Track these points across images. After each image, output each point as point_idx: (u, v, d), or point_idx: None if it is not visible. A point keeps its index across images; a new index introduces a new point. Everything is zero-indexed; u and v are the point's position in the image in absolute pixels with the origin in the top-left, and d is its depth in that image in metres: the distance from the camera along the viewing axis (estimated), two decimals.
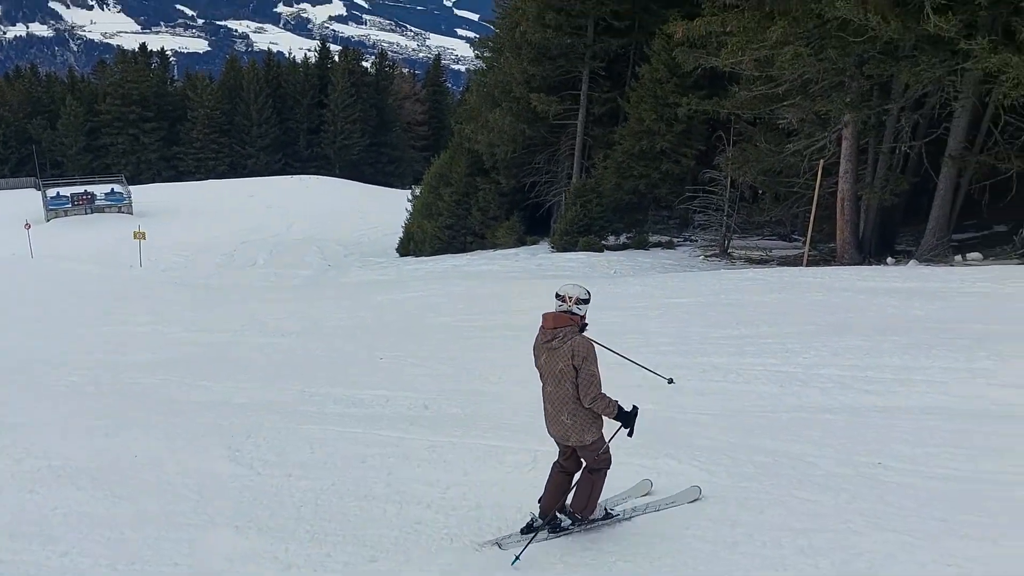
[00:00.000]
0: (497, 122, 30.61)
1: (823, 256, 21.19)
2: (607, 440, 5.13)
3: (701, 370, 9.39)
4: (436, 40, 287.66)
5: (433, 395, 9.38)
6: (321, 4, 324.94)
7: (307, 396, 9.92)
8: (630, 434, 5.04)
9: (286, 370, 11.96)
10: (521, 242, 31.17)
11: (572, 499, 5.29)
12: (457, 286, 21.02)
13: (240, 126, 74.29)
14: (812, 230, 20.23)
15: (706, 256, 24.18)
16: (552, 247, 28.44)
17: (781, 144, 21.56)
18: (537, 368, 5.21)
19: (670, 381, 6.39)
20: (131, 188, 56.08)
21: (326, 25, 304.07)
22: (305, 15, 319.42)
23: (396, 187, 68.38)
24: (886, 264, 18.98)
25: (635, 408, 5.07)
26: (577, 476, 5.30)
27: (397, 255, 36.67)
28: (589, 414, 4.99)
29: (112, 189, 54.56)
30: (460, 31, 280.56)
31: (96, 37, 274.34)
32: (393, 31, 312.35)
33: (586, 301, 5.12)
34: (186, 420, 9.10)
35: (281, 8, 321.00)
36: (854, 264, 19.15)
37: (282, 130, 75.71)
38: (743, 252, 23.89)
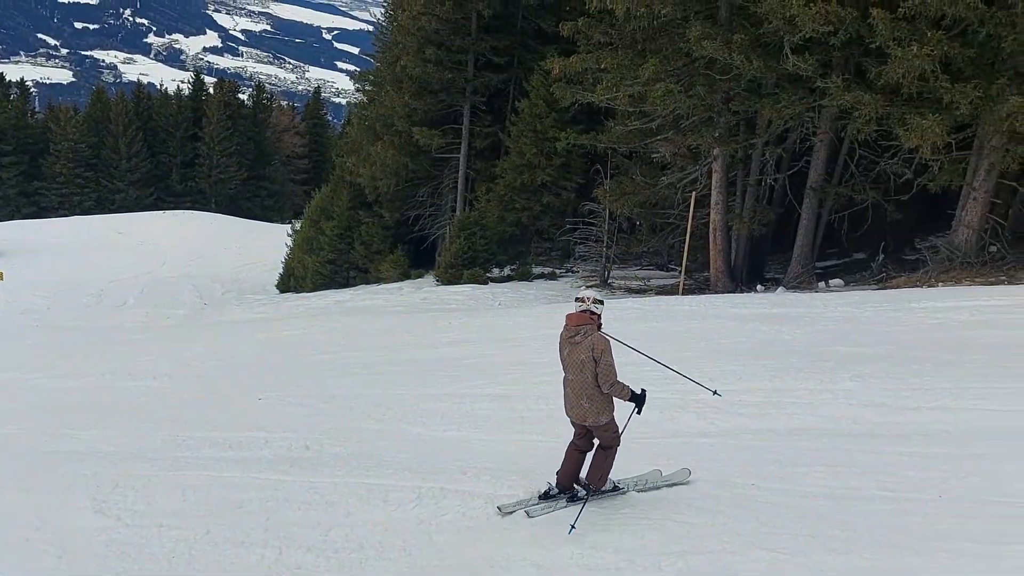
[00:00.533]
0: (379, 155, 30.45)
1: (698, 284, 22.01)
2: (619, 424, 6.07)
3: None
4: (316, 73, 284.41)
5: (315, 435, 9.11)
6: (195, 35, 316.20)
7: (180, 441, 9.44)
8: (639, 413, 6.01)
9: (158, 414, 11.35)
10: (406, 276, 30.95)
11: (588, 472, 6.17)
12: (339, 322, 20.62)
13: (108, 160, 70.89)
14: (687, 259, 21.01)
15: (588, 286, 24.68)
16: (437, 280, 28.39)
17: (656, 177, 22.39)
18: (561, 360, 6.10)
19: (715, 393, 7.10)
20: None
21: (200, 56, 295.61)
22: (178, 46, 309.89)
23: (276, 221, 66.74)
24: (756, 291, 19.89)
25: (644, 391, 5.98)
26: (590, 454, 6.22)
27: (277, 292, 35.73)
28: (605, 398, 5.90)
29: None
30: (340, 64, 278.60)
31: None
32: (271, 63, 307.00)
33: (601, 303, 6.13)
34: (47, 471, 8.49)
35: (152, 39, 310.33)
36: (727, 292, 19.96)
37: (154, 164, 72.70)
38: (623, 282, 24.53)
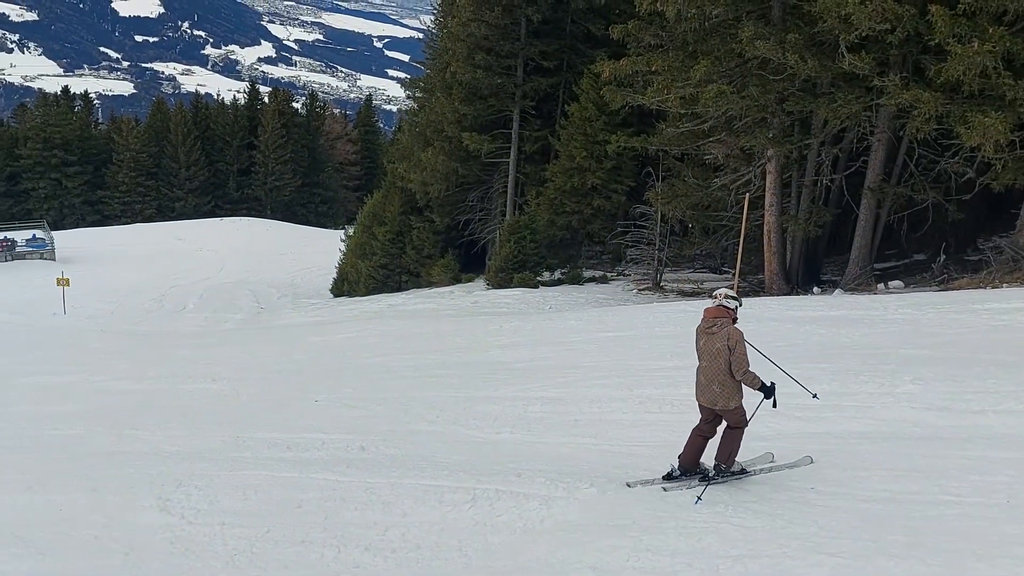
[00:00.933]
0: (430, 161, 30.74)
1: (752, 287, 21.72)
2: (747, 410, 6.51)
3: (637, 402, 9.48)
4: (367, 81, 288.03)
5: (370, 436, 9.23)
6: (250, 46, 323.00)
7: (240, 442, 9.65)
8: (774, 405, 6.43)
9: (218, 416, 11.64)
10: (456, 280, 31.17)
11: (717, 452, 6.54)
12: (392, 325, 20.86)
13: (168, 169, 72.85)
14: (740, 262, 20.73)
15: (639, 290, 24.54)
16: (487, 284, 28.51)
17: (708, 179, 22.16)
18: (696, 349, 6.64)
19: (815, 396, 7.39)
20: (54, 234, 54.25)
21: (255, 67, 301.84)
22: (234, 57, 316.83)
23: (329, 227, 67.75)
24: (813, 294, 19.56)
25: (773, 384, 6.43)
26: (716, 437, 6.62)
27: (331, 296, 36.25)
28: (735, 385, 6.35)
29: (34, 235, 52.63)
30: (391, 72, 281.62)
31: (16, 80, 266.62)
32: (323, 72, 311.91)
33: (735, 299, 6.70)
34: (113, 471, 8.76)
35: (209, 50, 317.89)
36: (782, 294, 19.68)
37: (211, 172, 74.47)
38: (675, 285, 24.33)
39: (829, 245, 23.40)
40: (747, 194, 20.36)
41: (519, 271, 27.30)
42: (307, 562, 5.76)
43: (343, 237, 39.90)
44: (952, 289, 16.92)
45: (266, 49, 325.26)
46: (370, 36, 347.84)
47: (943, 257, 19.04)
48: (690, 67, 18.83)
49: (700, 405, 6.59)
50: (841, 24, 15.96)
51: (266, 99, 78.79)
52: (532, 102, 30.08)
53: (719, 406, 6.39)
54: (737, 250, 21.10)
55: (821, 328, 12.89)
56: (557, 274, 28.05)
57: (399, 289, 33.23)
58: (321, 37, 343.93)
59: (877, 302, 15.28)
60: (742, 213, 20.35)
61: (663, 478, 6.58)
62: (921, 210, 19.91)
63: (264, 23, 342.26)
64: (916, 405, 8.23)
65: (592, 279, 27.30)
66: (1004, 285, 16.13)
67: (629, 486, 6.53)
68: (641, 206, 25.04)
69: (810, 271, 21.73)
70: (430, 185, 31.53)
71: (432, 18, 42.59)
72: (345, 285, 36.14)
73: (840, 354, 10.88)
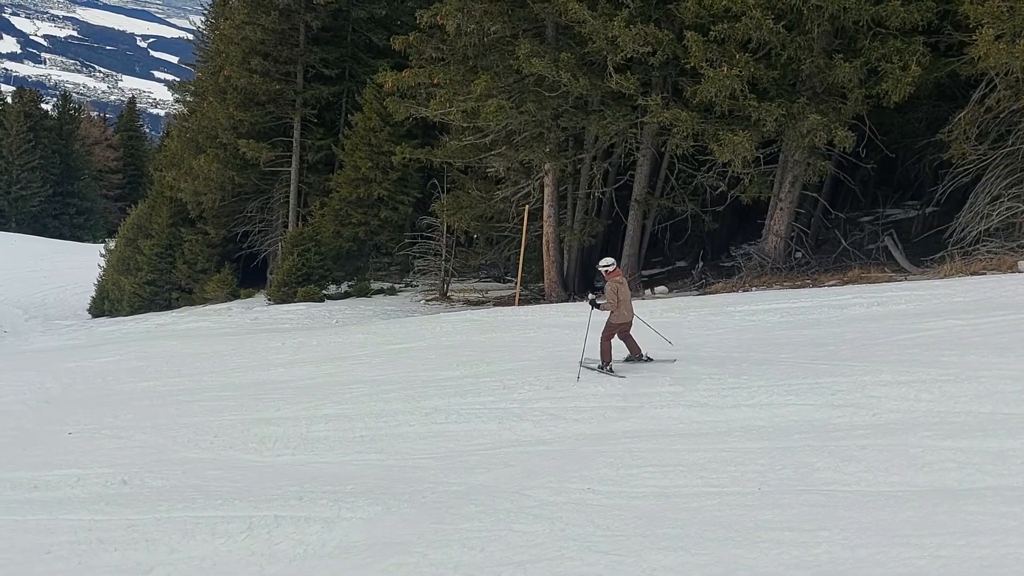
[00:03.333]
0: (203, 169, 29.08)
1: (533, 295, 22.46)
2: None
3: (424, 413, 9.43)
4: (130, 82, 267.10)
5: (133, 468, 8.45)
6: None
7: None
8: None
9: None
10: (235, 295, 29.65)
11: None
12: (160, 347, 19.38)
13: None
14: (522, 271, 21.39)
15: (427, 300, 24.61)
16: (269, 299, 27.34)
17: (491, 191, 22.67)
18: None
19: (670, 342, 10.84)
20: None
21: None
22: None
23: (87, 241, 62.17)
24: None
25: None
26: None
27: (90, 316, 33.27)
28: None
29: None
30: (157, 73, 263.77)
31: None
32: (78, 72, 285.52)
33: (604, 265, 10.23)
34: None
35: None
36: (561, 301, 20.48)
37: None
38: (462, 295, 24.64)
39: (602, 254, 24.71)
40: (527, 206, 21.14)
41: (303, 284, 26.43)
42: None
43: (103, 251, 36.76)
44: (710, 293, 18.43)
45: (9, 44, 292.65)
46: (133, 35, 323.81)
47: (701, 264, 20.71)
48: (471, 81, 19.18)
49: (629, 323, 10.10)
50: (609, 46, 16.93)
51: (9, 99, 70.96)
52: (314, 110, 29.34)
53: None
54: (518, 260, 21.81)
55: (595, 334, 13.50)
56: (344, 287, 27.48)
57: (169, 307, 31.08)
58: (75, 33, 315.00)
59: (644, 307, 16.23)
60: (522, 224, 21.07)
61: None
62: (681, 220, 21.57)
63: (7, 16, 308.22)
64: (680, 403, 8.82)
65: (380, 291, 27.01)
66: (753, 288, 17.80)
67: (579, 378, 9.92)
68: (428, 217, 25.15)
69: (586, 279, 22.81)
70: (203, 195, 29.83)
71: (203, 18, 40.47)
72: (106, 304, 33.30)
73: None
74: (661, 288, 20.41)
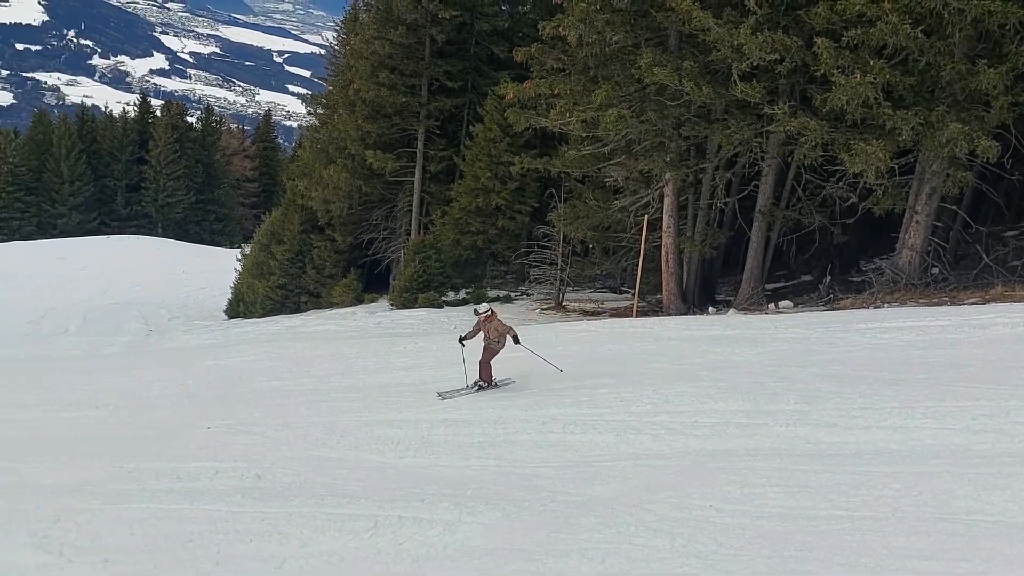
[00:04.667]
0: (332, 178, 30.27)
1: (651, 307, 22.21)
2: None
3: (541, 422, 9.48)
4: (266, 96, 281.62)
5: (266, 464, 8.88)
6: (141, 57, 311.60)
7: (125, 473, 9.11)
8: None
9: (100, 445, 10.99)
10: (359, 300, 30.68)
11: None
12: (290, 348, 20.26)
13: (49, 184, 69.19)
14: (640, 282, 21.19)
15: (542, 309, 24.74)
16: (391, 304, 28.17)
17: (609, 201, 22.60)
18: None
19: (560, 370, 11.87)
20: None
21: (147, 79, 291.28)
22: (123, 68, 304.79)
23: (224, 246, 65.74)
24: (708, 313, 20.13)
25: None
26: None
27: (226, 317, 35.12)
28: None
29: None
30: (291, 87, 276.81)
31: None
32: (220, 86, 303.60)
33: (475, 312, 12.03)
34: None
35: (97, 60, 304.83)
36: (679, 314, 20.17)
37: (97, 188, 71.16)
38: (577, 305, 24.64)
39: (723, 266, 24.20)
40: (646, 216, 20.95)
41: (424, 291, 27.11)
42: None
43: (239, 256, 38.77)
44: (838, 309, 17.72)
45: (159, 61, 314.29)
46: (270, 51, 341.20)
47: (829, 278, 19.94)
48: (591, 91, 19.20)
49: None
50: (734, 53, 16.59)
51: (158, 112, 76.05)
52: (437, 122, 30.07)
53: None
54: (636, 271, 21.62)
55: (716, 347, 13.25)
56: (462, 294, 27.99)
57: (298, 310, 32.45)
58: (218, 50, 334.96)
59: (768, 321, 15.82)
60: (641, 235, 20.89)
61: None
62: (808, 233, 20.84)
63: (156, 34, 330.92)
64: (807, 422, 8.52)
65: (496, 299, 27.33)
66: (885, 305, 17.00)
67: (441, 395, 11.62)
68: (544, 227, 25.31)
69: (706, 291, 22.38)
70: (332, 203, 31.02)
71: (335, 34, 42.17)
72: (241, 306, 35.08)
73: (735, 372, 11.19)
74: (785, 303, 19.78)
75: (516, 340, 11.58)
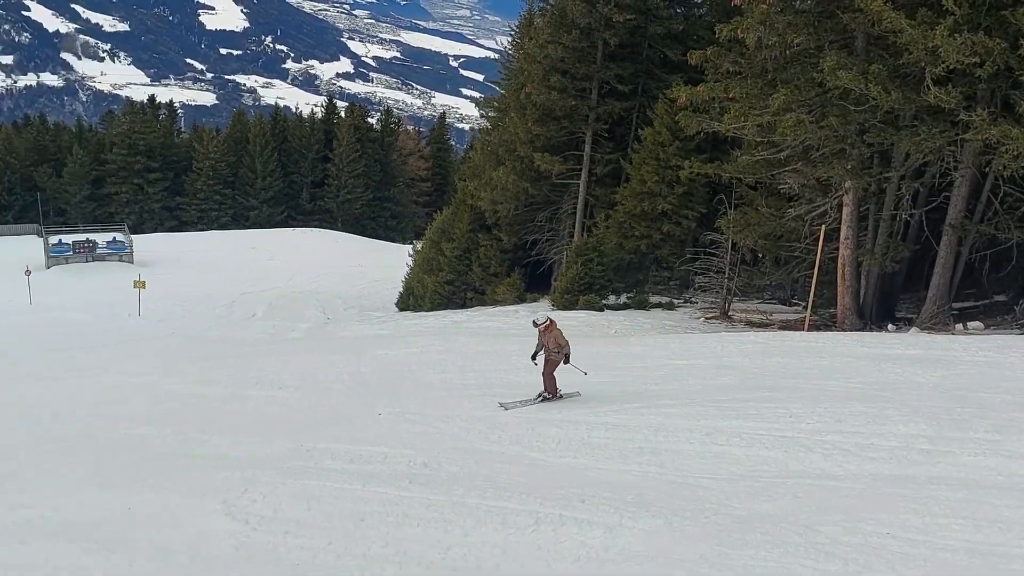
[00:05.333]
0: (500, 180, 30.94)
1: (824, 321, 21.19)
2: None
3: (705, 432, 9.30)
4: (441, 99, 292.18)
5: (432, 453, 9.25)
6: (329, 61, 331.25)
7: (304, 451, 9.78)
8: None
9: (283, 424, 11.83)
10: (521, 299, 31.18)
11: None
12: (456, 342, 20.90)
13: (244, 178, 74.95)
14: (813, 295, 20.27)
15: (706, 318, 24.18)
16: (552, 305, 28.44)
17: (782, 209, 21.76)
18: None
19: (585, 373, 11.80)
20: (133, 237, 56.31)
21: (333, 82, 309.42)
22: (313, 71, 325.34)
23: (397, 242, 68.70)
24: (887, 331, 18.98)
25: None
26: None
27: (396, 309, 36.66)
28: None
29: (114, 238, 54.80)
30: (465, 90, 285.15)
31: (106, 88, 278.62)
32: (399, 89, 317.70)
33: (534, 324, 11.81)
34: (181, 474, 8.97)
35: (289, 64, 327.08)
36: (855, 330, 19.14)
37: (286, 183, 76.35)
38: (743, 315, 23.89)
39: (905, 281, 22.70)
40: (823, 226, 20.00)
41: (585, 293, 27.19)
42: None
43: (411, 252, 40.36)
44: None
45: (344, 65, 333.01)
46: (446, 55, 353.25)
47: None
48: (768, 95, 18.59)
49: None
50: (928, 56, 15.56)
51: (342, 113, 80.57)
52: (605, 125, 30.06)
53: None
54: (809, 282, 20.68)
55: (896, 367, 12.47)
56: (623, 298, 27.84)
57: (464, 306, 33.39)
58: (398, 54, 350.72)
59: (956, 342, 14.72)
60: (816, 245, 19.96)
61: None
62: (1004, 250, 19.20)
63: (344, 39, 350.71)
64: (999, 452, 7.87)
65: (658, 305, 27.00)
66: None
67: (503, 406, 11.67)
68: (712, 233, 24.72)
69: (885, 307, 21.09)
70: (500, 204, 31.70)
71: (509, 39, 43.08)
72: (411, 299, 36.51)
73: (917, 395, 10.50)
74: (975, 323, 18.34)
75: (567, 360, 11.47)
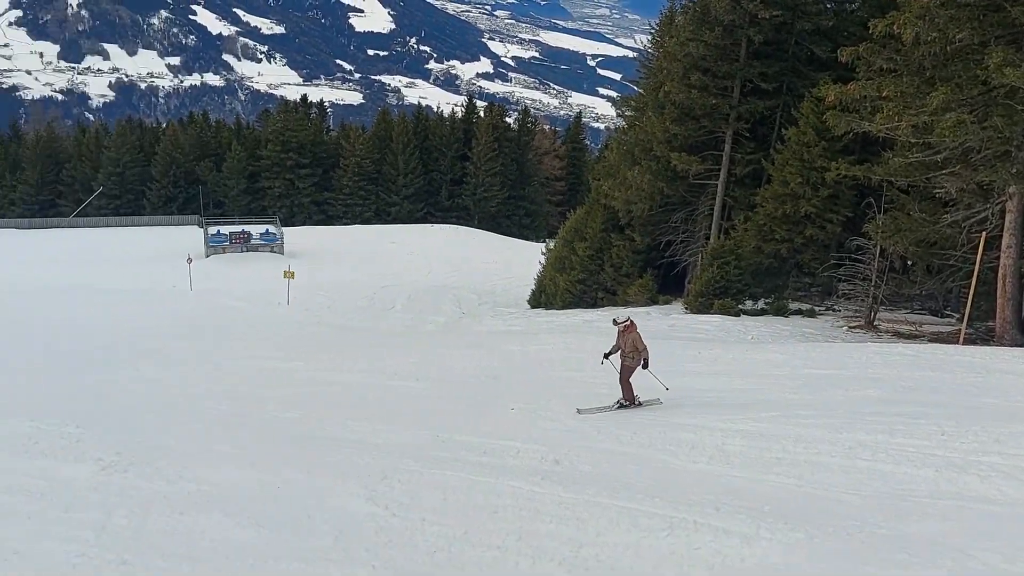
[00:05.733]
0: (636, 179, 30.70)
1: (980, 335, 19.86)
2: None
3: (847, 446, 8.93)
4: (577, 98, 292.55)
5: (563, 450, 9.34)
6: (470, 61, 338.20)
7: (440, 442, 10.10)
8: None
9: (421, 415, 12.24)
10: (653, 301, 30.83)
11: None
12: (587, 342, 20.90)
13: (387, 175, 77.65)
14: (970, 307, 19.03)
15: (850, 327, 23.13)
16: (685, 308, 27.98)
17: (937, 214, 20.54)
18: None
19: (666, 388, 11.68)
20: (284, 230, 59.54)
21: (473, 81, 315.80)
22: (454, 71, 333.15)
23: (531, 240, 69.35)
24: None
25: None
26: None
27: (528, 307, 37.02)
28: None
29: (267, 230, 58.12)
30: (601, 90, 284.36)
31: (262, 88, 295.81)
32: (537, 88, 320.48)
33: (614, 322, 11.74)
34: (326, 457, 9.45)
35: (432, 65, 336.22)
36: (1015, 345, 17.85)
37: (426, 180, 78.54)
38: (890, 325, 22.70)
39: None
40: (982, 233, 18.73)
41: (720, 297, 26.59)
42: (504, 569, 5.91)
43: (544, 250, 40.65)
44: None
45: (484, 65, 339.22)
46: (584, 54, 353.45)
47: None
48: (926, 94, 17.61)
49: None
50: None
51: (481, 113, 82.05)
52: (746, 124, 29.27)
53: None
54: (964, 293, 19.41)
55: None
56: (760, 303, 27.04)
57: (595, 306, 33.34)
58: (537, 54, 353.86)
59: None
60: (975, 253, 18.70)
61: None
62: None
63: (484, 40, 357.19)
64: None
65: (798, 312, 26.05)
66: None
67: (579, 411, 11.65)
68: (858, 238, 23.62)
69: None
70: (634, 204, 31.45)
71: (649, 37, 42.63)
72: (543, 297, 36.78)
73: None
74: None
75: (645, 365, 11.34)
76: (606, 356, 11.69)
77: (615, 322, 11.71)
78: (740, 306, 26.57)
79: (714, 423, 10.45)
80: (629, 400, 11.70)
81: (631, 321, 11.65)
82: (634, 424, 10.56)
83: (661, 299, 30.84)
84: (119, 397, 13.78)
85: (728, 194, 30.02)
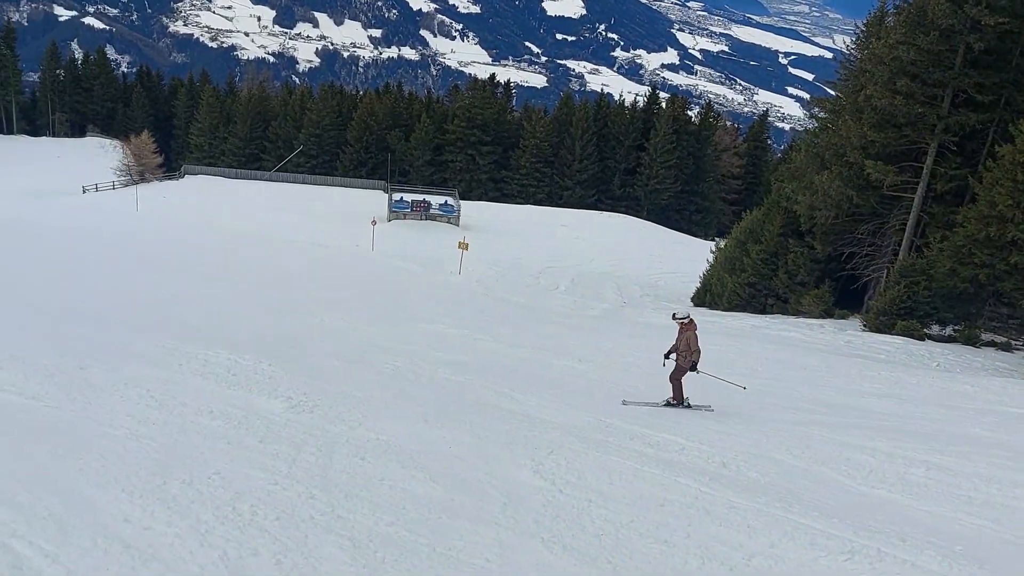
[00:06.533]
0: (823, 185, 29.24)
1: None
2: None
3: None
4: (764, 96, 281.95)
5: (729, 453, 9.12)
6: (656, 52, 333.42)
7: (604, 426, 10.13)
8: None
9: (582, 396, 12.33)
10: (828, 314, 29.36)
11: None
12: (754, 347, 20.30)
13: (563, 159, 78.09)
14: None
15: None
16: (864, 325, 26.45)
17: None
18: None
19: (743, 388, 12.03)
20: (461, 203, 61.34)
21: (657, 72, 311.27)
22: (639, 60, 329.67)
23: (699, 236, 67.80)
24: None
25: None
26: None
27: (691, 304, 36.27)
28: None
29: (446, 201, 60.14)
30: (791, 89, 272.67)
31: (454, 64, 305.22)
32: (722, 83, 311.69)
33: (674, 317, 11.81)
34: (493, 424, 9.72)
35: (617, 52, 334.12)
36: None
37: (601, 167, 78.35)
38: None
39: None
40: None
41: (904, 318, 24.94)
42: (671, 565, 5.86)
43: (713, 248, 39.63)
44: None
45: (670, 56, 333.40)
46: (776, 51, 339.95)
47: None
48: None
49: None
50: None
51: (663, 104, 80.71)
52: (954, 137, 27.10)
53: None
54: None
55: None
56: (948, 330, 25.15)
57: (763, 311, 32.19)
58: (726, 49, 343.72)
59: None
60: None
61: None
62: None
63: (673, 31, 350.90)
64: None
65: (991, 344, 24.03)
66: None
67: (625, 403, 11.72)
68: None
69: None
70: (818, 210, 30.00)
71: (851, 38, 40.32)
72: (707, 296, 35.89)
73: None
74: None
75: (694, 367, 11.26)
76: (666, 356, 11.60)
77: (674, 316, 11.72)
78: (926, 330, 24.83)
79: (894, 449, 9.87)
80: (678, 400, 11.64)
81: (691, 318, 11.55)
82: (805, 438, 10.15)
83: (837, 313, 29.33)
84: (307, 343, 14.72)
85: (925, 209, 28.01)
